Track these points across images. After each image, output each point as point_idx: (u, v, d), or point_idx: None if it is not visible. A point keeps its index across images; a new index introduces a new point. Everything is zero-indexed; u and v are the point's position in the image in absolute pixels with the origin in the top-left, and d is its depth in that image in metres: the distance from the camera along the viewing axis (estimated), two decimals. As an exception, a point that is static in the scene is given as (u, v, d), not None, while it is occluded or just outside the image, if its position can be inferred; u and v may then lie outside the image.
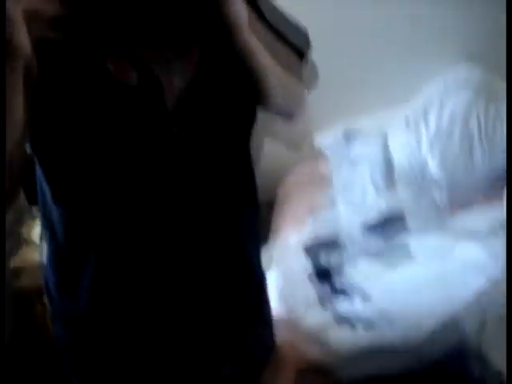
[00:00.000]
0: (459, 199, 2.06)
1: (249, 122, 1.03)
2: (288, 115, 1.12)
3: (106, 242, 0.97)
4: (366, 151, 2.25)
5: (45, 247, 1.05)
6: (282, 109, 1.08)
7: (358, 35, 2.43)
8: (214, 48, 0.96)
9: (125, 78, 0.91)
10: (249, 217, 1.06)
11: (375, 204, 1.98)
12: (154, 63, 0.93)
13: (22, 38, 0.77)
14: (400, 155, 2.19)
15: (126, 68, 0.91)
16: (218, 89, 0.97)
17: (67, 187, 0.96)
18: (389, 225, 1.84)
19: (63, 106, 0.90)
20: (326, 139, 2.41)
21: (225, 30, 0.91)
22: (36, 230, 2.43)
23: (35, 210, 2.40)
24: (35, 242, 2.36)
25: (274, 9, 1.08)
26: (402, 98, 2.36)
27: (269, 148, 2.19)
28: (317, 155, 2.40)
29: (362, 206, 1.98)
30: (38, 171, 0.98)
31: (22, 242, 2.40)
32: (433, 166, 2.12)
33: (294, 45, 1.05)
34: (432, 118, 2.16)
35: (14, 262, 2.34)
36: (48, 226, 1.02)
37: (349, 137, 2.36)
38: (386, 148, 2.23)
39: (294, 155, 2.51)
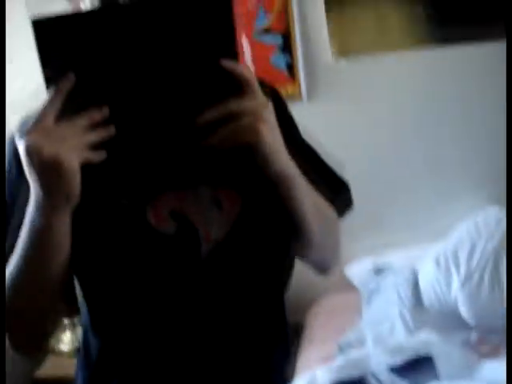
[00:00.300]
0: (489, 342, 2.03)
1: (285, 272, 1.05)
2: (324, 266, 1.12)
3: (134, 368, 1.00)
4: (396, 287, 2.25)
5: (78, 364, 1.08)
6: (318, 260, 1.09)
7: (392, 171, 2.53)
8: (257, 200, 0.97)
9: (162, 227, 0.94)
10: (279, 356, 1.06)
11: (404, 343, 1.96)
12: (194, 214, 0.95)
13: (76, 189, 0.81)
14: (430, 294, 2.19)
15: (164, 217, 0.94)
16: (255, 239, 0.98)
17: (105, 319, 1.01)
18: (417, 367, 1.81)
19: (99, 242, 0.94)
20: (355, 271, 2.43)
21: (270, 183, 0.91)
22: (64, 341, 2.46)
23: (64, 322, 2.44)
24: (63, 354, 2.38)
25: (312, 151, 1.09)
26: (433, 235, 2.38)
27: (298, 273, 2.23)
28: (346, 286, 2.42)
29: (390, 345, 1.97)
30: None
31: (49, 352, 2.42)
32: (463, 307, 2.11)
33: (330, 196, 1.04)
34: (462, 261, 2.17)
35: (40, 372, 2.34)
36: (85, 347, 1.05)
37: (379, 270, 2.38)
38: (416, 286, 2.23)
39: (324, 283, 2.53)
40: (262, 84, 0.98)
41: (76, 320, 2.41)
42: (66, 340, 2.48)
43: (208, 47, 0.82)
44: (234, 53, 0.83)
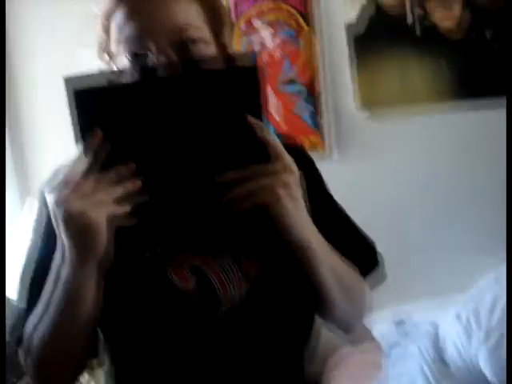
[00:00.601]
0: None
1: (304, 334, 1.04)
2: (347, 328, 1.10)
3: None
4: (416, 341, 2.22)
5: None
6: (341, 322, 1.08)
7: (415, 223, 2.52)
8: (276, 263, 0.96)
9: (182, 284, 0.95)
10: None
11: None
12: (214, 272, 0.96)
13: (103, 243, 0.83)
14: (451, 349, 2.16)
15: (185, 274, 0.95)
16: (274, 300, 0.97)
17: (125, 370, 1.02)
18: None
19: (120, 296, 0.95)
20: (376, 325, 2.39)
21: (289, 248, 0.91)
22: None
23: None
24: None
25: (341, 212, 1.08)
26: (454, 288, 2.35)
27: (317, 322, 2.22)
28: (367, 339, 2.39)
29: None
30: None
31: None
32: (484, 363, 2.08)
33: (357, 260, 1.03)
34: (483, 316, 2.14)
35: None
36: None
37: (399, 323, 2.35)
38: (436, 340, 2.20)
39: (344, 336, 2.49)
40: (291, 143, 1.00)
41: (94, 362, 2.40)
42: (84, 382, 2.48)
43: (235, 112, 0.85)
44: (259, 116, 0.85)
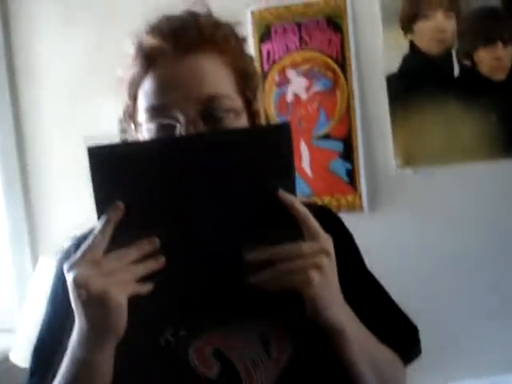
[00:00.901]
0: None
1: None
2: None
3: None
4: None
5: None
6: None
7: (460, 288, 2.38)
8: (308, 347, 0.92)
9: (205, 371, 0.90)
10: None
11: None
12: (239, 358, 0.91)
13: (122, 324, 0.81)
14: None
15: (207, 359, 0.91)
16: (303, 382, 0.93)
17: None
18: None
19: (139, 378, 0.90)
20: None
21: (322, 333, 0.87)
22: None
23: None
24: None
25: (379, 289, 1.03)
26: (504, 369, 2.23)
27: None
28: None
29: None
30: None
31: None
32: None
33: (396, 343, 0.98)
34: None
35: None
36: None
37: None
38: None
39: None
40: (326, 212, 1.02)
41: None
42: None
43: (265, 180, 0.83)
44: (292, 187, 0.83)
